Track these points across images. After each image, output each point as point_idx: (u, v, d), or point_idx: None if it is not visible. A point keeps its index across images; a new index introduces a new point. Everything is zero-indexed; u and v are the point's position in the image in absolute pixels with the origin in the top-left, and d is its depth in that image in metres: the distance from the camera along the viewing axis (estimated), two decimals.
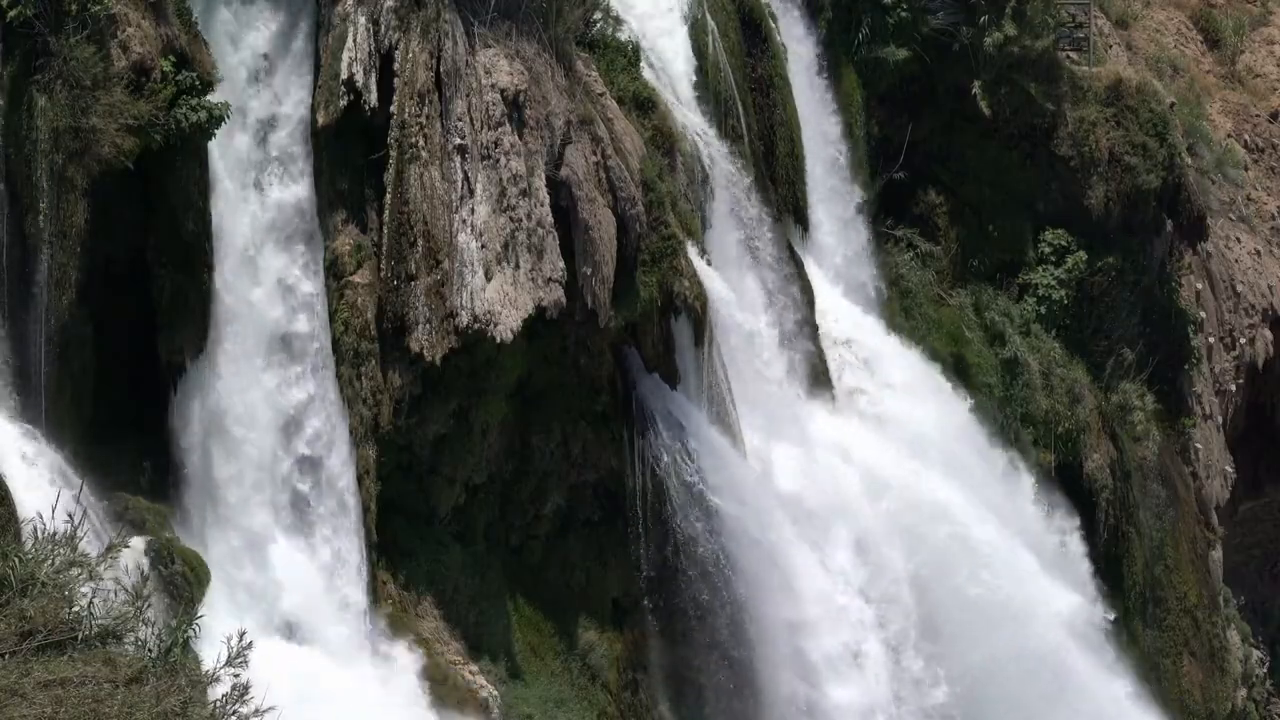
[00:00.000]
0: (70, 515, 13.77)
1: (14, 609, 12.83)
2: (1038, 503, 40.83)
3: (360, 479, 28.90)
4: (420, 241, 29.01)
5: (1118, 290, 44.34)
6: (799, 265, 37.38)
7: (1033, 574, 38.46)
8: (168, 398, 27.10)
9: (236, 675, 12.41)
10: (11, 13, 24.92)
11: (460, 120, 29.42)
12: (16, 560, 13.25)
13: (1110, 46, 48.48)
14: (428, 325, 28.99)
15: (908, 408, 38.83)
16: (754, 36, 37.97)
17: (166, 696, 12.29)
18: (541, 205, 29.98)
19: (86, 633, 12.79)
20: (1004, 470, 40.51)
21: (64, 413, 25.65)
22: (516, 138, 29.95)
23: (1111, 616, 41.14)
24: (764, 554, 33.60)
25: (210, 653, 13.45)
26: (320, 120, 28.53)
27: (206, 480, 27.42)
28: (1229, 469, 48.58)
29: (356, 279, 29.02)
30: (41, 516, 13.94)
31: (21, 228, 25.42)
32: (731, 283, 34.63)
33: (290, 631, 27.84)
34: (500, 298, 29.31)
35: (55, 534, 13.33)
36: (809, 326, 37.20)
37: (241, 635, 12.58)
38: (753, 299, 35.65)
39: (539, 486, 32.21)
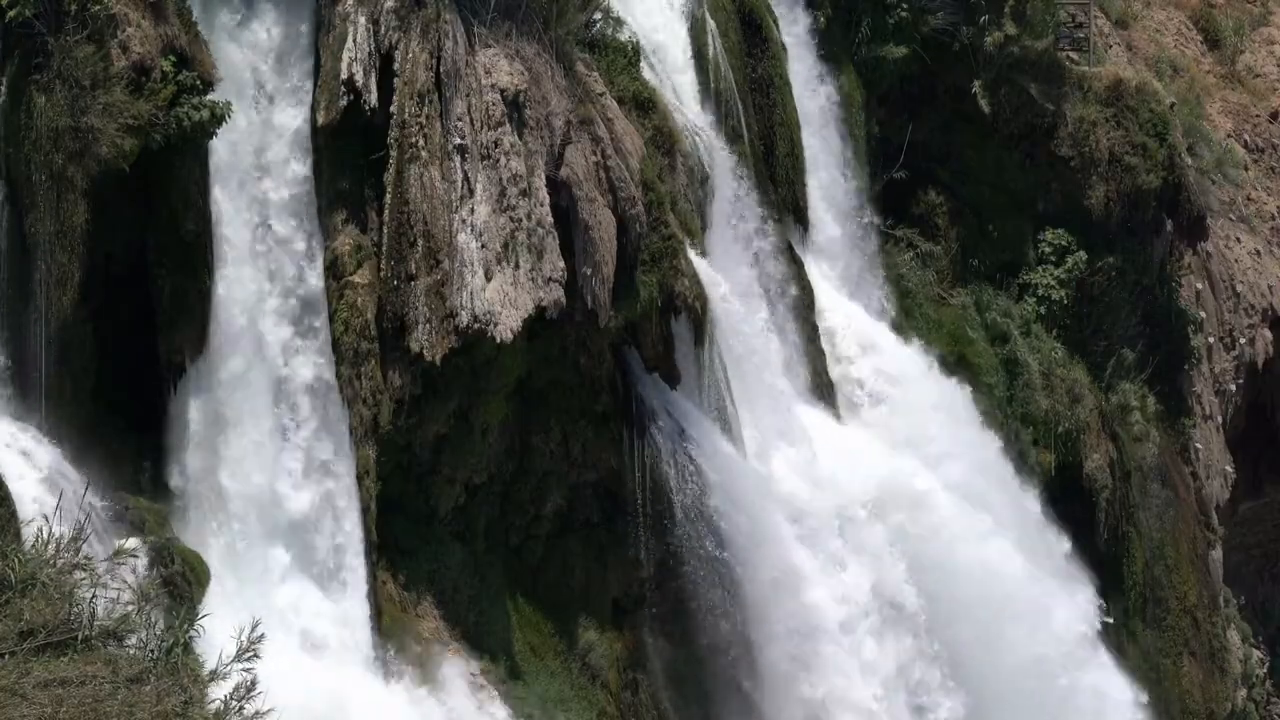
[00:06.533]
0: (79, 523, 13.73)
1: (14, 609, 12.80)
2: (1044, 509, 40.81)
3: (360, 479, 28.88)
4: (420, 241, 28.99)
5: (1118, 290, 44.34)
6: (799, 265, 37.36)
7: (1035, 580, 38.46)
8: (167, 398, 27.09)
9: (247, 670, 12.34)
10: (11, 13, 24.90)
11: (460, 120, 29.41)
12: (16, 560, 13.22)
13: (1110, 46, 48.48)
14: (428, 325, 28.97)
15: (907, 407, 38.82)
16: (754, 36, 37.94)
17: (167, 696, 12.26)
18: (541, 205, 29.96)
19: (87, 633, 12.77)
20: (1006, 466, 40.49)
21: (64, 413, 25.62)
22: (516, 138, 29.93)
23: (1109, 620, 41.08)
24: (764, 554, 33.58)
25: (210, 652, 13.41)
26: (320, 120, 28.51)
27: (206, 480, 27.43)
28: (1229, 469, 48.57)
29: (356, 279, 29.00)
30: (48, 519, 13.91)
31: (21, 228, 25.42)
32: (731, 283, 34.60)
33: (291, 632, 27.81)
34: (500, 298, 29.29)
35: (60, 537, 13.29)
36: (809, 326, 37.17)
37: (254, 628, 12.50)
38: (753, 299, 35.62)
39: (539, 486, 32.19)
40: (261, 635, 12.28)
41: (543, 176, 30.14)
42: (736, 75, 36.89)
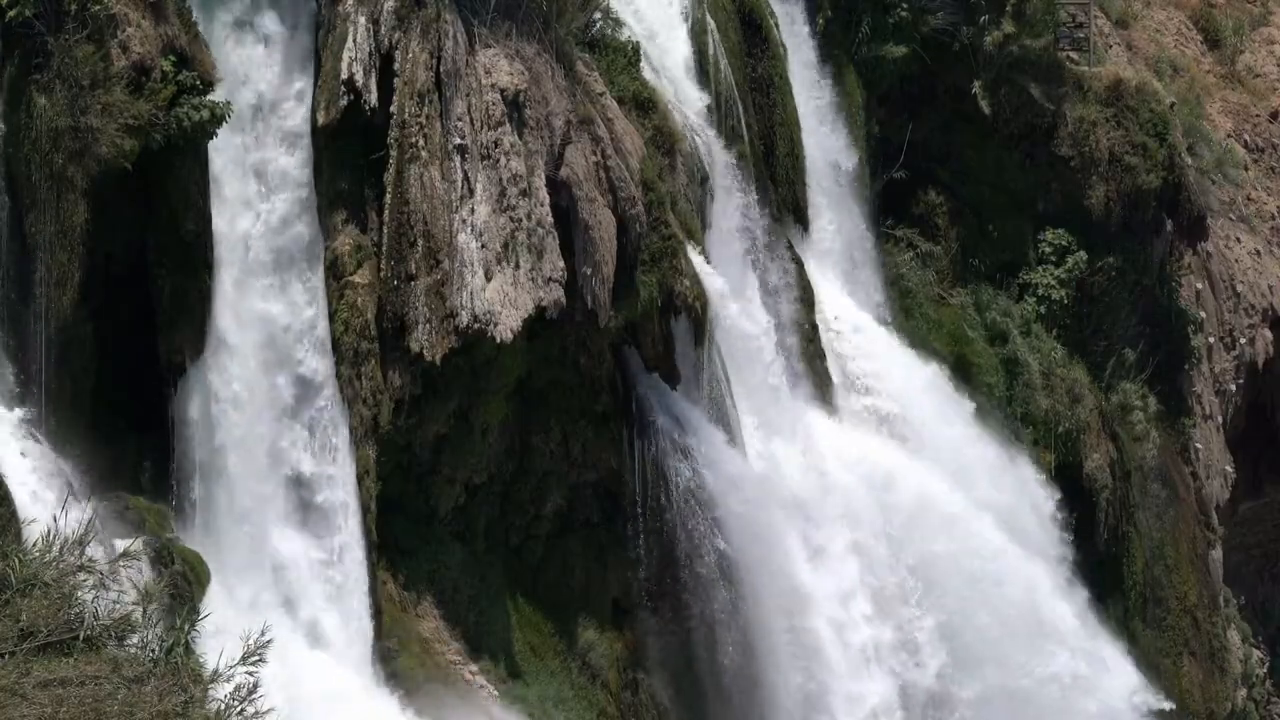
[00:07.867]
0: (84, 524, 13.70)
1: (13, 609, 12.79)
2: (1042, 507, 40.77)
3: (360, 479, 28.87)
4: (420, 241, 28.99)
5: (1118, 290, 44.35)
6: (799, 265, 37.36)
7: (1037, 585, 38.45)
8: (167, 398, 27.07)
9: (252, 673, 12.34)
10: (11, 13, 24.88)
11: (460, 120, 29.41)
12: (16, 560, 13.21)
13: (1110, 46, 48.47)
14: (428, 325, 28.97)
15: (907, 407, 38.80)
16: (754, 36, 37.94)
17: (168, 696, 12.25)
18: (541, 205, 29.96)
19: (89, 633, 12.76)
20: (1005, 466, 40.48)
21: (64, 413, 25.60)
22: (516, 138, 29.93)
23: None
24: (764, 554, 33.58)
25: (209, 649, 13.39)
26: (320, 120, 28.50)
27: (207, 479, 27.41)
28: (1229, 469, 48.57)
29: (356, 279, 29.00)
30: (56, 519, 13.88)
31: (21, 228, 25.40)
32: (731, 283, 34.59)
33: (289, 632, 27.79)
34: (500, 298, 29.29)
35: (66, 539, 13.28)
36: (809, 326, 37.17)
37: (263, 632, 12.50)
38: (753, 299, 35.62)
39: (539, 486, 32.19)
40: (269, 641, 12.27)
41: (543, 176, 30.14)
42: (736, 75, 36.88)
